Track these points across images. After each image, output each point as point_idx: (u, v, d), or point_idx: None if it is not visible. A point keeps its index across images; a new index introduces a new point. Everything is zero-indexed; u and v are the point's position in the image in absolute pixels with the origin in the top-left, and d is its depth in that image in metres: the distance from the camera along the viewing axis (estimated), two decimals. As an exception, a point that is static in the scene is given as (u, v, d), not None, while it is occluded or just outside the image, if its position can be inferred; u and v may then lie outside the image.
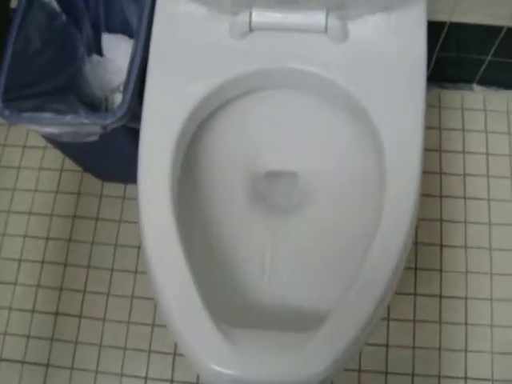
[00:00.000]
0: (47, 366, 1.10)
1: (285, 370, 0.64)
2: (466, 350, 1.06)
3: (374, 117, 0.74)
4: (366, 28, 0.77)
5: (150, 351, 1.10)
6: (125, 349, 1.10)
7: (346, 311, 0.65)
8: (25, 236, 1.20)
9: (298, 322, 0.78)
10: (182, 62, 0.78)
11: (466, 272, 1.11)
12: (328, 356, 0.64)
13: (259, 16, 0.76)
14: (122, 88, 1.03)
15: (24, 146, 1.27)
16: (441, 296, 1.10)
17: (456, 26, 1.03)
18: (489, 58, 1.12)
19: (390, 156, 0.72)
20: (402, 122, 0.73)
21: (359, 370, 1.05)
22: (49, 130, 0.86)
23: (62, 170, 1.24)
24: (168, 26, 0.80)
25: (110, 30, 1.05)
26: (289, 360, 0.64)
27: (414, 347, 1.07)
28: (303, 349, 0.64)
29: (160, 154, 0.74)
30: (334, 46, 0.77)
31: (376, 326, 0.69)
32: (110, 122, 0.83)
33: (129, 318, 1.12)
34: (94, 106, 1.01)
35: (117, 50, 1.05)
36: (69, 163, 1.21)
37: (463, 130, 1.21)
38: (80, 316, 1.13)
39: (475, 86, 1.23)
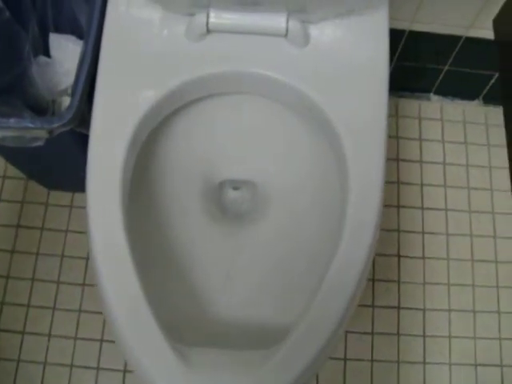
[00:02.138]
0: (-14, 386, 1.03)
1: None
2: (424, 362, 1.06)
3: (335, 124, 0.71)
4: (328, 33, 0.75)
5: (98, 368, 1.04)
6: (71, 366, 1.04)
7: (306, 329, 0.62)
8: (-37, 247, 1.12)
9: (258, 338, 0.74)
10: (135, 65, 0.74)
11: (424, 283, 1.10)
12: (287, 376, 0.61)
13: (217, 17, 0.72)
14: (70, 91, 0.98)
15: (-38, 152, 1.19)
16: (399, 307, 1.09)
17: (415, 35, 1.02)
18: (446, 67, 1.13)
19: (353, 164, 0.69)
20: (364, 130, 0.71)
21: (317, 385, 1.03)
22: (-11, 133, 0.80)
23: (4, 177, 1.17)
24: (120, 27, 0.76)
25: (58, 30, 0.99)
26: (246, 381, 0.61)
27: (372, 360, 1.05)
28: (261, 368, 0.61)
29: (110, 161, 0.69)
30: (294, 50, 0.74)
31: (338, 343, 0.67)
32: (57, 126, 0.78)
33: (76, 334, 1.06)
34: (41, 109, 0.95)
35: (65, 51, 0.99)
36: (12, 170, 1.15)
37: (420, 139, 1.21)
38: (23, 332, 1.06)
39: (432, 96, 1.23)
